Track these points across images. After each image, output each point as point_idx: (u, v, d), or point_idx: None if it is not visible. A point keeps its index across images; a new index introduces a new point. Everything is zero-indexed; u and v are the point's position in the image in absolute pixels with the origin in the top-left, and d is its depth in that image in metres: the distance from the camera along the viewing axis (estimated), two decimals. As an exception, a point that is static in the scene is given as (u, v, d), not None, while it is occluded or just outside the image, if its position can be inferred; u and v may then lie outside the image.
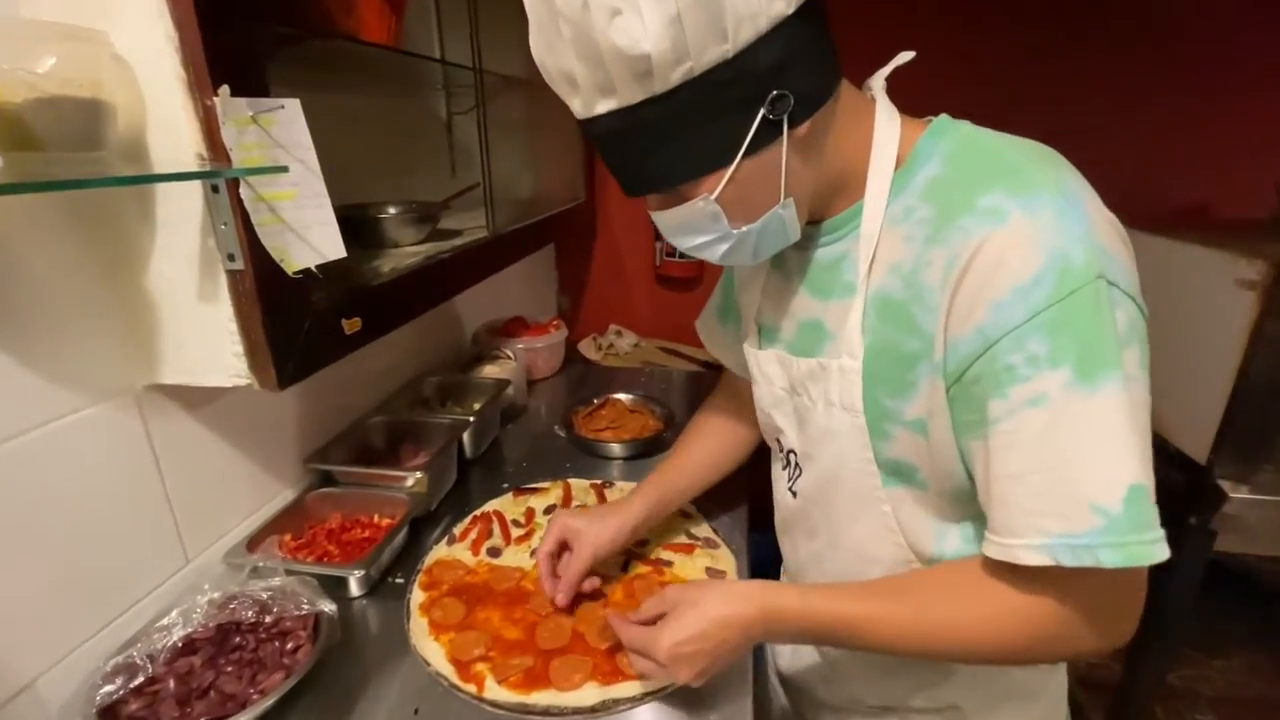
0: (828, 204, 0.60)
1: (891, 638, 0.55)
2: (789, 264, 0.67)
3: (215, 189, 0.58)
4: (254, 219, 0.59)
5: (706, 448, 0.91)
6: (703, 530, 0.95)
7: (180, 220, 0.60)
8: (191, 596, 0.69)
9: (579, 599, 0.79)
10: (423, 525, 0.97)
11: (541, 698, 0.67)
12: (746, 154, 0.50)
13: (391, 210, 1.11)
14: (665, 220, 0.57)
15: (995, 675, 0.68)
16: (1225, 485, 1.16)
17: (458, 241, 1.11)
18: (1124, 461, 0.45)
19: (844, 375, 0.59)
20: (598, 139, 0.53)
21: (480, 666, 0.70)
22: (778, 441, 0.74)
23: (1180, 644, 1.43)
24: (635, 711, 0.67)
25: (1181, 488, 1.26)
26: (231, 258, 0.60)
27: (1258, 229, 1.51)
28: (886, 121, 0.56)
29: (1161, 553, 0.45)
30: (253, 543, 0.82)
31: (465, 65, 1.17)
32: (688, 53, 0.45)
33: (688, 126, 0.49)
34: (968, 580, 0.54)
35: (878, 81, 0.59)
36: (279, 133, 0.62)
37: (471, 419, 1.09)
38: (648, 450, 1.18)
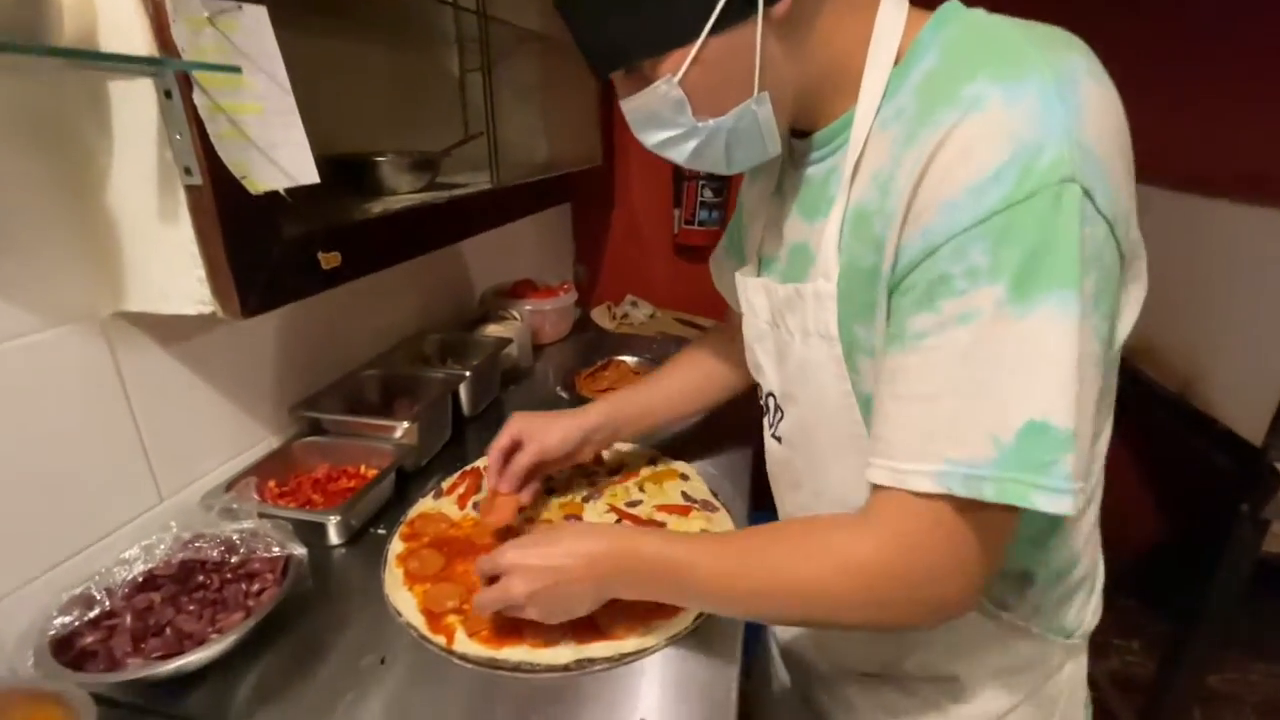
0: (819, 110, 0.54)
1: (712, 580, 0.54)
2: (785, 185, 0.61)
3: (168, 94, 0.54)
4: (211, 130, 0.55)
5: (684, 376, 0.87)
6: (700, 492, 0.89)
7: (136, 131, 0.57)
8: (160, 533, 0.67)
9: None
10: (412, 480, 0.94)
11: (513, 653, 0.63)
12: (714, 30, 0.45)
13: (387, 156, 1.07)
14: (629, 109, 0.53)
15: (1001, 641, 0.61)
16: (1283, 469, 1.06)
17: (457, 191, 1.07)
18: (1033, 393, 0.40)
19: (819, 300, 0.54)
20: (563, 7, 0.50)
21: (451, 619, 0.67)
22: (760, 386, 0.70)
23: (1224, 644, 1.33)
24: (612, 673, 0.63)
25: (1232, 472, 1.16)
26: (188, 171, 0.56)
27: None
28: (892, 11, 0.49)
29: (1044, 500, 0.41)
30: (232, 485, 0.80)
31: (469, 9, 1.12)
32: None
33: None
34: (818, 528, 0.52)
35: None
36: (242, 40, 0.58)
37: (467, 374, 1.05)
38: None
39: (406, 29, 1.26)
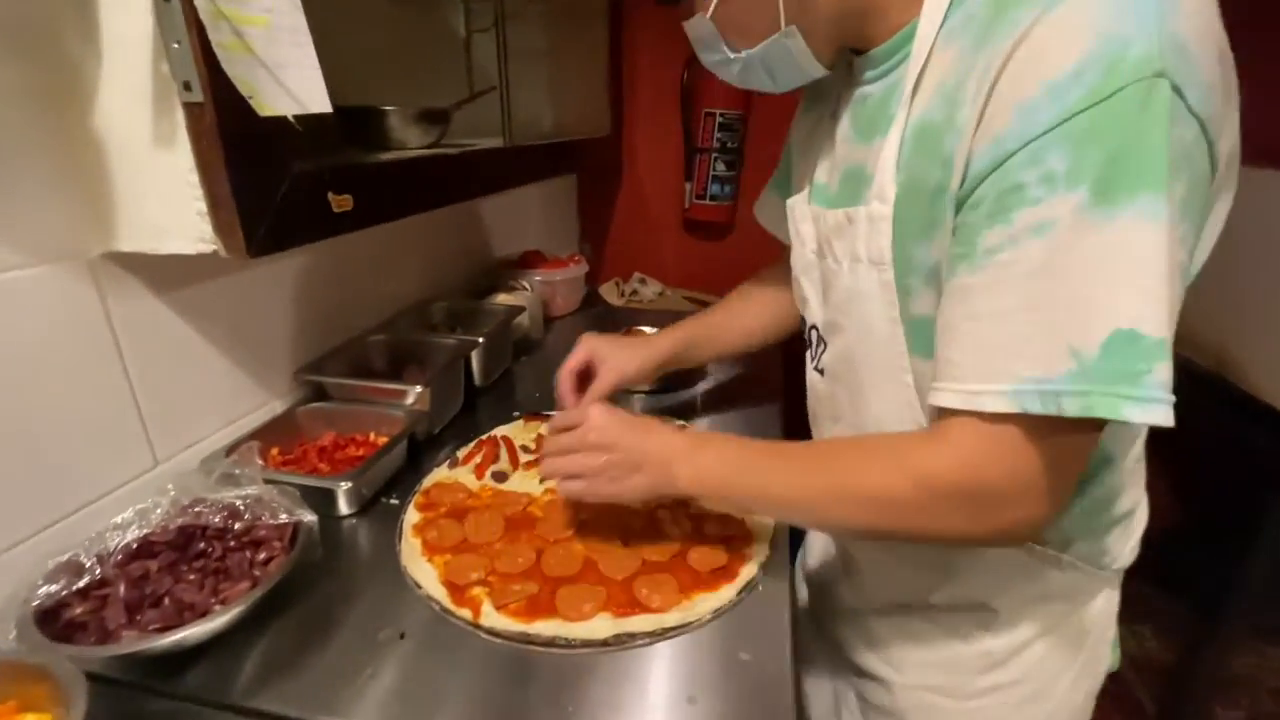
0: (876, 25, 0.51)
1: (782, 485, 0.54)
2: (841, 108, 0.58)
3: (166, -3, 0.48)
4: (213, 38, 0.49)
5: (748, 309, 0.84)
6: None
7: (128, 42, 0.51)
8: (156, 497, 0.61)
9: (590, 526, 0.70)
10: (424, 450, 0.89)
11: (546, 627, 0.58)
12: None
13: (395, 107, 1.01)
14: (688, 30, 0.57)
15: (1032, 571, 0.59)
16: (1328, 445, 1.03)
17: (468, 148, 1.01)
18: (1120, 302, 0.37)
19: (872, 223, 0.51)
20: None
21: (477, 591, 0.61)
22: (804, 320, 0.69)
23: (1246, 628, 1.30)
24: (654, 648, 0.58)
25: (1268, 450, 1.12)
26: (188, 86, 0.50)
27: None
28: None
29: (1136, 411, 0.38)
30: (234, 450, 0.74)
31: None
32: None
33: None
34: (887, 439, 0.52)
35: None
36: (248, -57, 0.52)
37: (480, 340, 1.00)
38: (671, 384, 1.08)
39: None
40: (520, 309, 1.14)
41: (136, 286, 0.64)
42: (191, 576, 0.57)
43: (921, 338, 0.51)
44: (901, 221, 0.49)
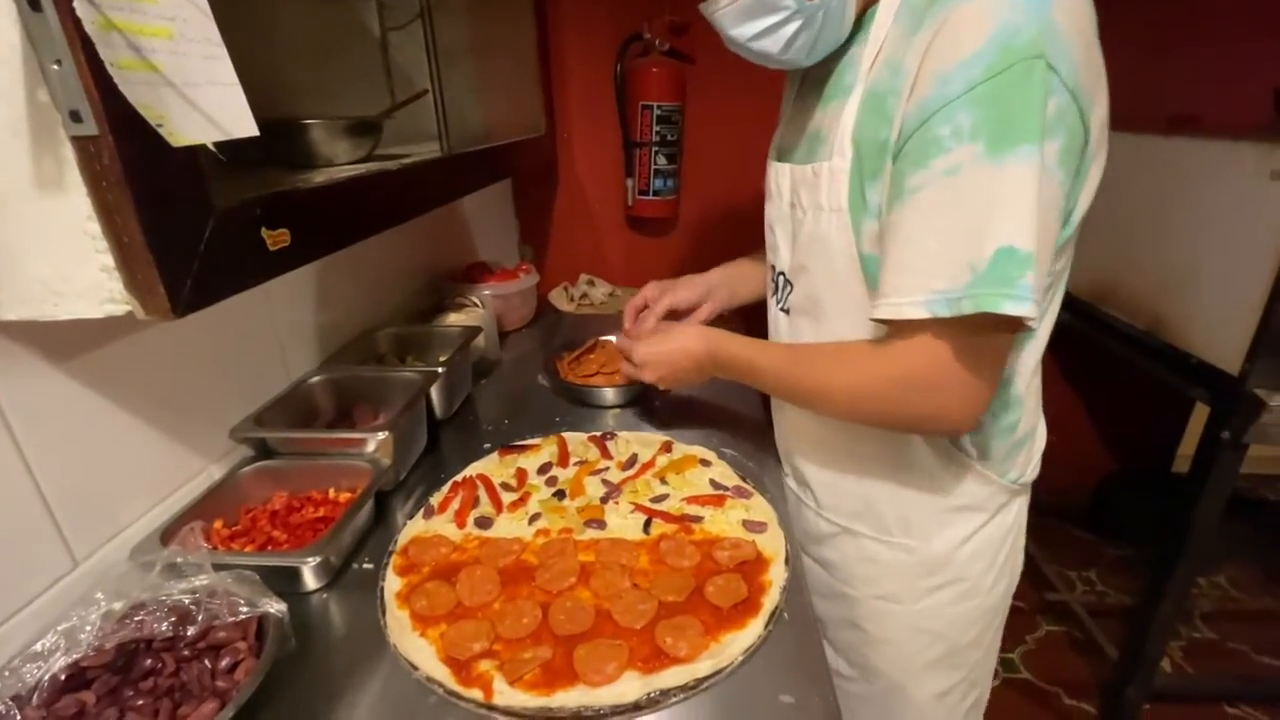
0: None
1: (774, 377, 0.68)
2: (810, 79, 0.68)
3: (34, 4, 0.38)
4: (104, 56, 0.40)
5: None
6: (729, 478, 0.81)
7: (-9, 62, 0.40)
8: (82, 610, 0.51)
9: (594, 569, 0.65)
10: (390, 499, 0.80)
11: (569, 697, 0.52)
12: None
13: (318, 120, 0.90)
14: (729, 5, 0.58)
15: (951, 485, 0.69)
16: (1261, 394, 1.09)
17: (407, 161, 0.91)
18: (1004, 225, 0.48)
19: (833, 175, 0.61)
20: None
21: (484, 665, 0.55)
22: (773, 268, 0.78)
23: (1184, 568, 1.39)
24: (690, 704, 0.53)
25: (1209, 403, 1.19)
26: (76, 116, 0.40)
27: (1262, 130, 1.44)
28: None
29: (1009, 305, 0.48)
30: (169, 534, 0.63)
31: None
32: None
33: None
34: (850, 345, 0.62)
35: None
36: (136, -65, 0.42)
37: (441, 369, 0.91)
38: (647, 394, 1.03)
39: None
40: (476, 330, 1.06)
41: (27, 359, 0.53)
42: (140, 703, 0.47)
43: (872, 271, 0.60)
44: (857, 171, 0.59)
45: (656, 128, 1.68)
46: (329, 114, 1.00)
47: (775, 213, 0.74)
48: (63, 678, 0.47)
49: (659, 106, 1.66)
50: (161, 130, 0.43)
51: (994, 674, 0.85)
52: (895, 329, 0.56)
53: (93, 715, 0.46)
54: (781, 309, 0.76)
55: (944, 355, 0.53)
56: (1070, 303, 1.58)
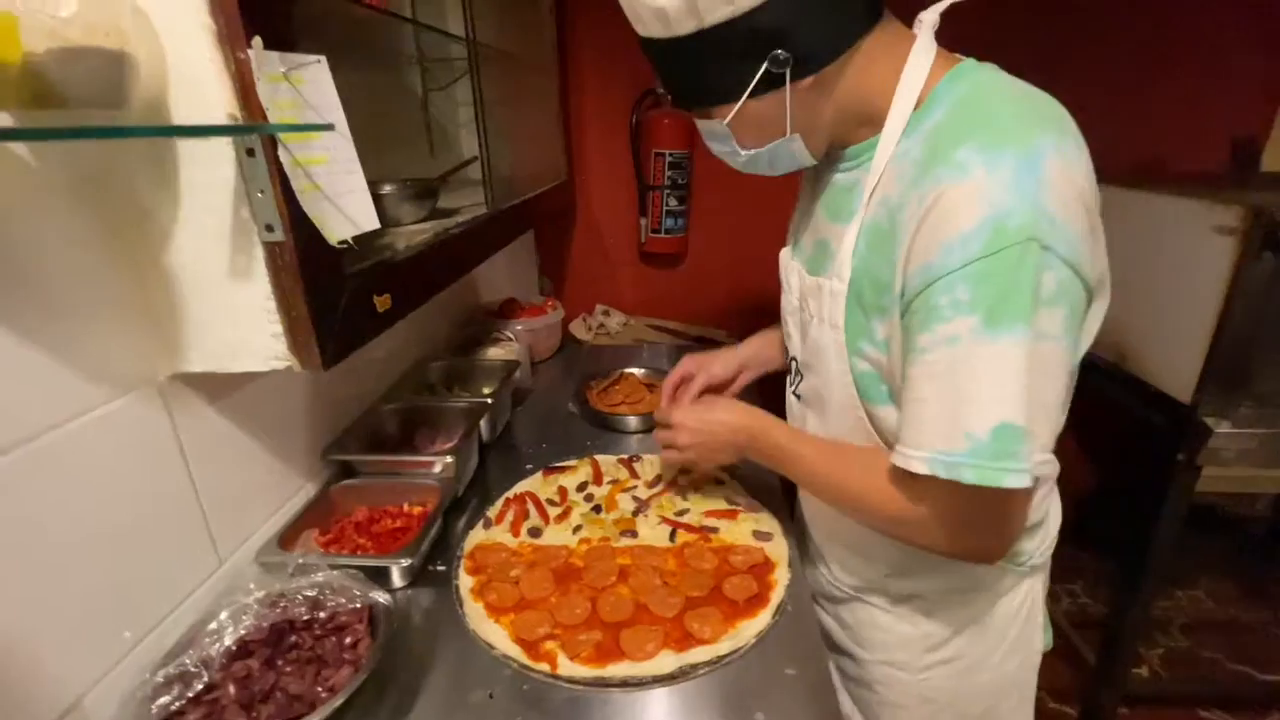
0: (853, 131, 0.64)
1: (807, 476, 0.72)
2: (820, 183, 0.71)
3: (250, 153, 0.53)
4: (295, 185, 0.55)
5: None
6: (740, 493, 0.95)
7: (207, 189, 0.55)
8: (236, 597, 0.65)
9: (630, 570, 0.79)
10: (450, 511, 0.94)
11: (618, 669, 0.66)
12: (751, 96, 0.58)
13: (389, 187, 1.05)
14: (700, 128, 0.67)
15: (956, 567, 0.72)
16: (1209, 421, 1.23)
17: (461, 218, 1.07)
18: (1003, 401, 0.51)
19: (833, 296, 0.65)
20: (652, 59, 0.62)
21: (549, 645, 0.69)
22: (786, 349, 0.82)
23: (1159, 578, 1.52)
24: (715, 675, 0.67)
25: (1166, 428, 1.33)
26: (270, 228, 0.55)
27: (1218, 179, 1.60)
28: (919, 60, 0.59)
29: (1012, 480, 0.52)
30: (284, 540, 0.77)
31: (456, 35, 1.12)
32: (698, 11, 0.53)
33: (705, 65, 0.59)
34: (879, 464, 0.63)
35: (930, 16, 0.60)
36: (309, 91, 0.58)
37: (490, 400, 1.06)
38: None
39: (375, 52, 1.23)
40: (516, 364, 1.20)
41: (197, 400, 0.68)
42: (288, 669, 0.61)
43: (866, 386, 0.65)
44: (856, 296, 0.63)
45: (669, 172, 1.84)
46: (385, 171, 1.16)
47: (787, 305, 0.78)
48: (234, 648, 0.61)
49: (670, 154, 1.82)
50: (323, 233, 0.58)
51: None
52: (910, 472, 0.57)
53: (257, 676, 0.59)
54: (794, 393, 0.80)
55: (960, 506, 0.57)
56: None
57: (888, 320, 0.59)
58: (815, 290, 0.68)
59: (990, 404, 0.52)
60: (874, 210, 0.60)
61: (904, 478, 0.59)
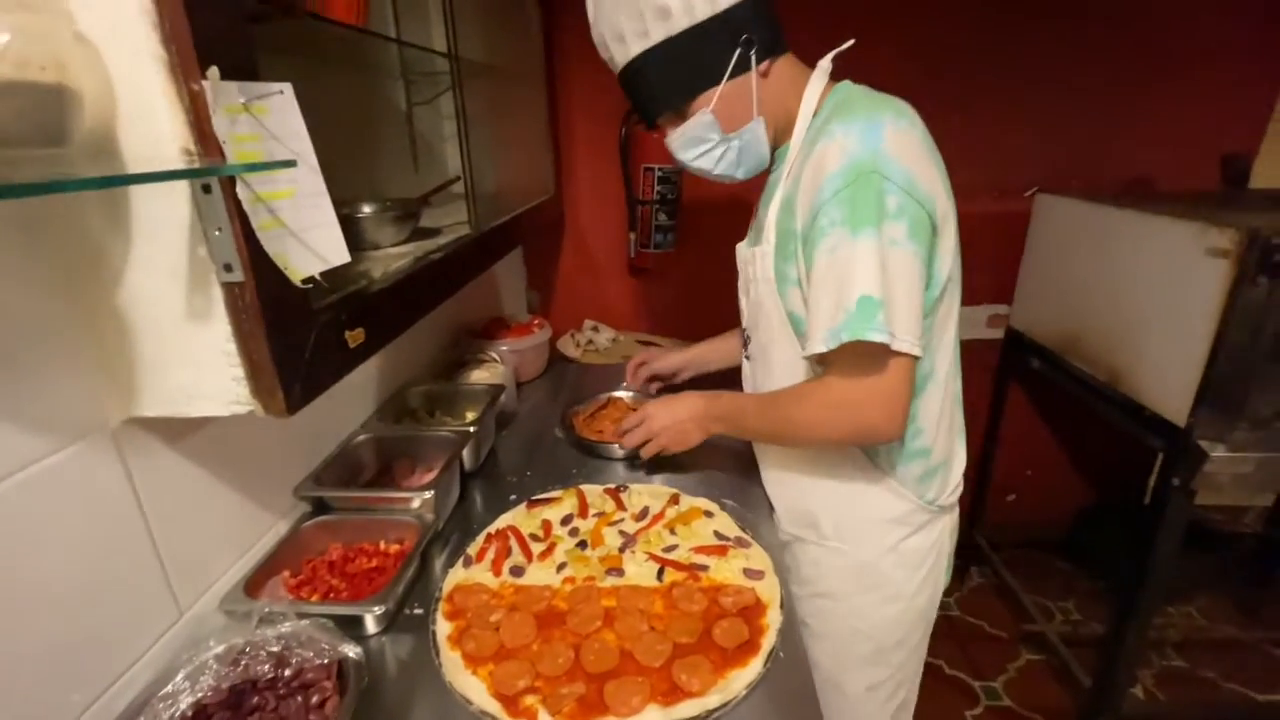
0: (780, 136, 0.83)
1: (755, 420, 0.89)
2: (762, 191, 0.90)
3: (207, 189, 0.49)
4: (255, 223, 0.51)
5: (732, 339, 1.18)
6: (730, 528, 0.92)
7: (161, 228, 0.52)
8: (194, 654, 0.61)
9: (616, 614, 0.75)
10: (430, 547, 0.90)
11: (602, 727, 0.62)
12: (730, 78, 0.76)
13: (368, 209, 1.02)
14: (676, 137, 0.82)
15: (874, 499, 0.87)
16: (1204, 445, 1.22)
17: (442, 240, 1.03)
18: (865, 281, 0.69)
19: (763, 256, 0.84)
20: (629, 84, 0.81)
21: (529, 700, 0.65)
22: (742, 328, 0.98)
23: (1152, 596, 1.50)
24: (702, 731, 0.63)
25: (1159, 450, 1.31)
26: (229, 268, 0.52)
27: (1208, 198, 1.59)
28: (815, 84, 0.80)
29: (874, 335, 0.68)
30: (251, 585, 0.73)
31: (438, 50, 1.09)
32: (694, 7, 0.72)
33: (690, 56, 0.75)
34: (801, 385, 0.83)
35: (825, 61, 0.81)
36: (272, 122, 0.54)
37: (472, 429, 1.02)
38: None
39: (357, 68, 1.20)
40: (501, 388, 1.17)
41: (155, 443, 0.64)
42: (250, 734, 0.57)
43: (797, 323, 0.82)
44: (779, 251, 0.81)
45: (658, 188, 1.82)
46: (367, 190, 1.12)
47: (740, 283, 0.96)
48: (189, 715, 0.57)
49: (660, 169, 1.80)
50: (287, 272, 0.55)
51: (920, 679, 1.01)
52: (824, 367, 0.77)
53: (215, 745, 0.56)
54: (746, 356, 0.98)
55: (855, 378, 0.73)
56: (1041, 351, 1.72)
57: (798, 260, 0.78)
58: (752, 258, 0.87)
59: (856, 284, 0.69)
60: (788, 186, 0.80)
61: (810, 372, 0.81)
